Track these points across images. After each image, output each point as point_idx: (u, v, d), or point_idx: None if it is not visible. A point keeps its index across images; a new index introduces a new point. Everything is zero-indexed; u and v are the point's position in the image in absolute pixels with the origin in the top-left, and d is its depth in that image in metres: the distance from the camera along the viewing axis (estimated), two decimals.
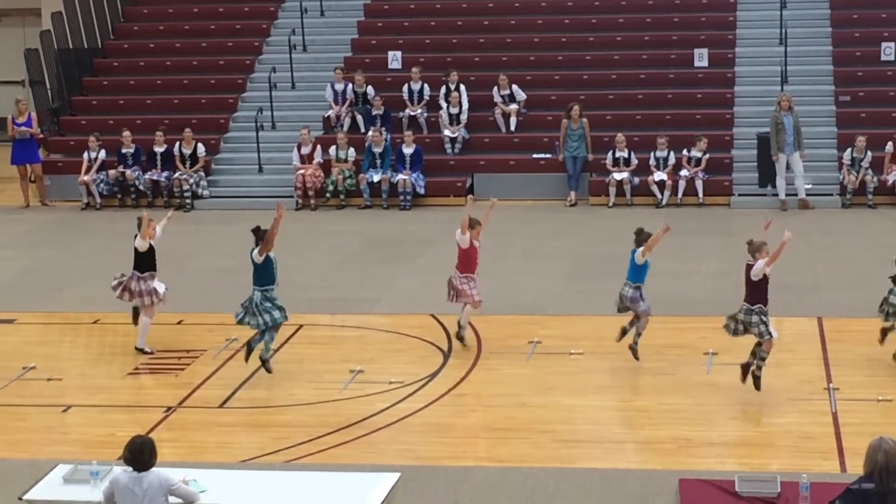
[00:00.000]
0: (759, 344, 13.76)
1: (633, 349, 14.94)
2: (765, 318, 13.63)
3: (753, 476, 10.60)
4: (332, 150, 24.52)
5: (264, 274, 14.79)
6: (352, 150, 24.54)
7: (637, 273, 14.87)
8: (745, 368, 13.86)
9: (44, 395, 14.70)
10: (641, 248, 14.81)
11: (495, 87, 25.35)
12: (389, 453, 12.80)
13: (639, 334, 14.95)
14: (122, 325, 17.06)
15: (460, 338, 15.67)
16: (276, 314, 14.77)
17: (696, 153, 23.81)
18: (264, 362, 14.83)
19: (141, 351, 15.87)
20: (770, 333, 13.65)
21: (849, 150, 23.42)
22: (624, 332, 15.07)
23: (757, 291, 13.68)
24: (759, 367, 13.83)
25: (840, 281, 18.34)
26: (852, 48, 26.08)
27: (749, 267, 13.75)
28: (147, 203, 24.71)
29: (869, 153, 23.26)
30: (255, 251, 14.74)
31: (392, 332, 16.66)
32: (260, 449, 12.95)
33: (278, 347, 15.61)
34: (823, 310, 16.95)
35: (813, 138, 24.04)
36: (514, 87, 25.35)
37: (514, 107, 25.25)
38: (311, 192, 24.18)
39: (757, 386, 13.82)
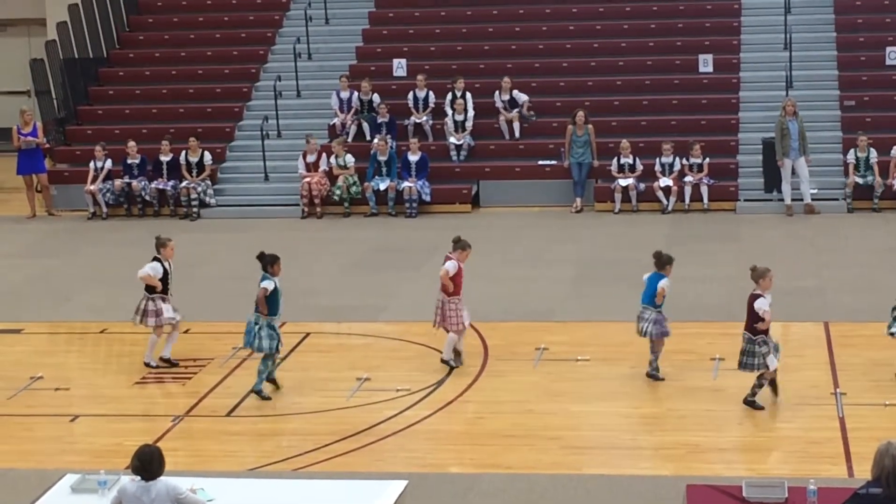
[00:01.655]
0: (760, 375, 13.73)
1: (654, 376, 14.80)
2: (765, 349, 13.54)
3: (761, 481, 10.60)
4: (331, 158, 24.51)
5: (267, 304, 14.69)
6: (349, 156, 24.52)
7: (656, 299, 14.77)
8: (772, 385, 13.86)
9: (51, 404, 14.72)
10: (665, 281, 14.63)
11: (497, 92, 25.35)
12: (397, 461, 12.82)
13: (656, 357, 14.87)
14: (129, 334, 17.09)
15: (453, 365, 15.53)
16: (265, 343, 14.55)
17: (694, 160, 23.82)
18: (258, 393, 14.68)
19: (147, 365, 15.84)
20: (767, 365, 13.58)
21: (852, 150, 23.43)
22: (655, 376, 14.91)
23: (758, 321, 13.60)
24: (755, 394, 13.76)
25: (846, 285, 18.32)
26: (857, 53, 26.07)
27: (752, 297, 13.65)
28: (153, 212, 24.76)
29: (873, 151, 23.27)
30: (263, 282, 14.58)
31: (398, 339, 16.67)
32: (267, 457, 12.97)
33: (285, 356, 15.63)
34: (830, 314, 16.93)
35: (818, 143, 24.03)
36: (515, 91, 25.35)
37: (515, 112, 25.24)
38: (316, 200, 24.19)
39: (753, 405, 13.75)
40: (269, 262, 14.60)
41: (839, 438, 12.95)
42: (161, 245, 15.87)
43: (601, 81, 26.21)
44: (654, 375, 14.76)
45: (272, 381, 14.86)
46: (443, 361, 15.43)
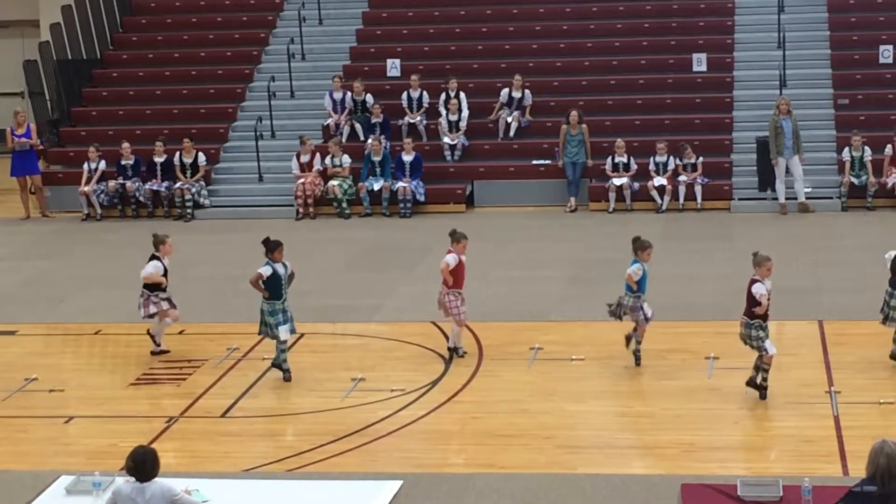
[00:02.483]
0: (759, 357, 13.79)
1: (636, 355, 15.01)
2: (762, 333, 13.63)
3: (756, 480, 10.61)
4: (327, 158, 24.52)
5: (268, 287, 14.86)
6: (346, 156, 24.52)
7: (641, 284, 14.90)
8: (750, 384, 13.91)
9: (46, 406, 14.70)
10: (635, 266, 14.81)
11: (506, 90, 25.33)
12: (391, 461, 12.80)
13: (638, 342, 15.03)
14: (124, 335, 17.10)
15: (460, 354, 15.71)
16: (279, 332, 14.89)
17: (687, 160, 23.83)
18: (279, 367, 15.05)
19: (156, 346, 15.99)
20: (766, 349, 13.65)
21: (846, 149, 23.45)
22: (629, 339, 15.12)
23: (755, 306, 13.67)
24: (764, 379, 13.83)
25: (840, 284, 18.34)
26: (850, 51, 26.10)
27: (751, 282, 13.72)
28: (147, 213, 24.75)
29: (868, 149, 23.30)
30: (261, 267, 14.90)
31: (393, 339, 16.66)
32: (262, 458, 12.95)
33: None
34: (824, 313, 16.95)
35: (812, 142, 24.06)
36: (527, 91, 25.36)
37: (517, 113, 25.21)
38: (309, 201, 24.17)
39: (762, 395, 13.82)
40: (269, 249, 14.92)
41: (834, 437, 12.94)
42: (160, 242, 15.95)
43: (595, 81, 26.23)
44: (635, 355, 15.07)
45: (278, 366, 15.09)
46: (449, 349, 15.66)
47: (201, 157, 24.97)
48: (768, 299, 13.63)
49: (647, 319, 14.95)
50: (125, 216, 24.90)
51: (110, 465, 12.02)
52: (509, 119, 25.20)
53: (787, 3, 27.15)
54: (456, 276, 15.46)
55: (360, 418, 13.85)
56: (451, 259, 15.43)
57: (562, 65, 26.72)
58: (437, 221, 23.08)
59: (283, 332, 14.92)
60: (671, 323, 16.25)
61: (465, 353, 15.70)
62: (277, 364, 15.09)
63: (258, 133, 25.40)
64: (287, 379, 14.98)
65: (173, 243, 16.30)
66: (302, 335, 16.69)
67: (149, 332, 16.12)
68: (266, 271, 14.81)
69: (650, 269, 15.09)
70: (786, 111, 23.19)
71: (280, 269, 14.89)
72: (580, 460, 12.74)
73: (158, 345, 16.09)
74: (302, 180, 24.16)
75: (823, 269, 19.26)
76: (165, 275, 15.90)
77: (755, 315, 13.67)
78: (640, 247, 14.94)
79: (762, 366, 13.81)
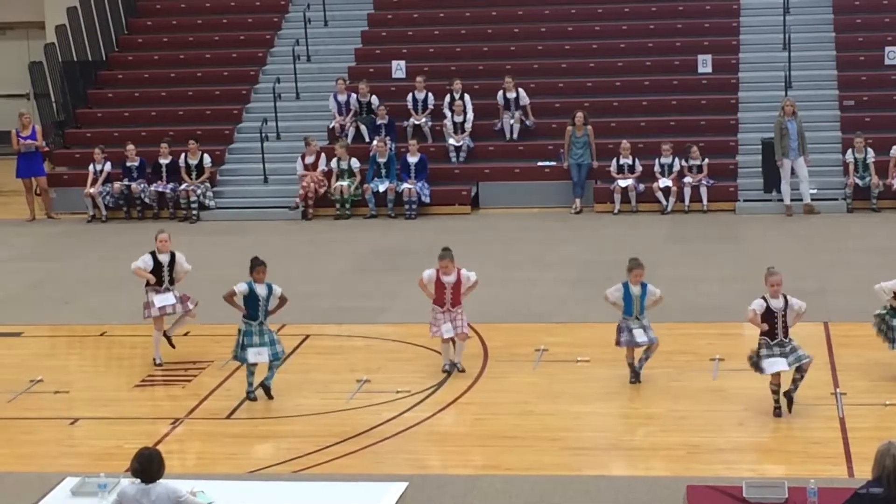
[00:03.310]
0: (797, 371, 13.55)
1: (634, 369, 14.71)
2: (763, 351, 13.41)
3: (761, 482, 10.60)
4: (334, 162, 24.51)
5: (245, 306, 14.62)
6: (354, 160, 24.49)
7: (624, 305, 14.73)
8: (787, 397, 13.62)
9: (51, 407, 14.72)
10: (611, 288, 14.68)
11: (500, 92, 25.34)
12: (397, 463, 12.81)
13: (629, 359, 14.75)
14: (129, 337, 17.12)
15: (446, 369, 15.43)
16: (242, 353, 14.53)
17: (693, 162, 23.83)
18: (264, 386, 14.71)
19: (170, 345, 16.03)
20: (761, 369, 13.48)
21: (849, 151, 23.45)
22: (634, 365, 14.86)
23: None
24: (776, 394, 13.52)
25: (846, 285, 18.31)
26: (856, 52, 26.08)
27: None
28: (152, 215, 24.76)
29: (871, 151, 23.29)
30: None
31: (398, 341, 16.66)
32: (267, 460, 12.97)
33: (284, 357, 15.59)
34: (830, 315, 16.92)
35: (817, 143, 24.05)
36: (521, 90, 25.36)
37: (518, 114, 25.22)
38: (310, 201, 24.12)
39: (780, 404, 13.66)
40: (250, 268, 14.60)
41: (839, 438, 12.94)
42: (154, 238, 15.94)
43: (600, 82, 26.22)
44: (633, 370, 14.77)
45: (265, 388, 14.70)
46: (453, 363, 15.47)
47: (206, 159, 24.99)
48: (757, 315, 13.31)
49: (631, 342, 14.55)
50: (130, 218, 24.92)
51: (116, 466, 12.02)
52: (511, 121, 25.19)
53: (793, 5, 27.16)
54: (436, 293, 15.18)
55: (365, 420, 13.86)
56: (426, 274, 15.24)
57: (567, 66, 26.72)
58: (443, 223, 23.09)
59: (252, 356, 14.41)
60: (676, 324, 16.24)
61: (450, 369, 15.25)
62: (267, 386, 14.66)
63: (263, 135, 25.42)
64: (253, 399, 14.51)
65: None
66: (307, 336, 16.71)
67: (165, 334, 16.08)
68: (241, 288, 14.46)
69: (651, 274, 14.95)
70: (791, 112, 23.18)
71: (260, 289, 14.47)
72: (585, 462, 12.73)
73: (171, 344, 16.07)
74: (306, 181, 24.11)
75: (829, 270, 19.24)
76: (157, 270, 15.83)
77: (760, 332, 13.51)
78: (627, 268, 14.69)
79: (798, 375, 13.53)
